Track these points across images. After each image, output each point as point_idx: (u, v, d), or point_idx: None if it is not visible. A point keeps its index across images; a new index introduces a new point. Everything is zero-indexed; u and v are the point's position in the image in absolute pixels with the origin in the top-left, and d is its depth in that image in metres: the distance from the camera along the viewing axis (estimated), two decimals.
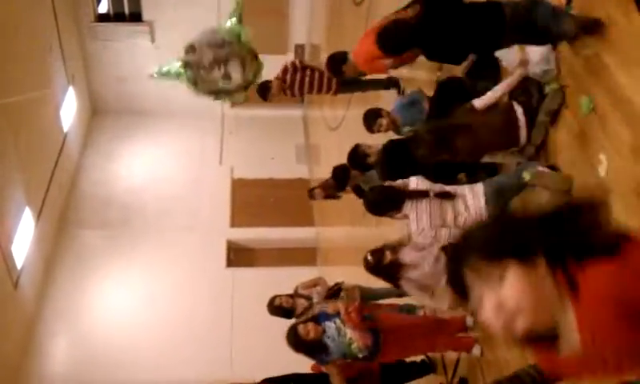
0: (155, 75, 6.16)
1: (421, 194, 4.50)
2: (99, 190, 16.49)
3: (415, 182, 4.61)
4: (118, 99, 18.23)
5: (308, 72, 7.68)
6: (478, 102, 4.41)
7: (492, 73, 4.88)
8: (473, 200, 4.41)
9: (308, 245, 15.95)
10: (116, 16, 17.49)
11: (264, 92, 7.64)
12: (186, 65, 5.30)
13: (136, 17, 17.42)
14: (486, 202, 4.37)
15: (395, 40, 4.62)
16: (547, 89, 4.14)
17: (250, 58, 5.65)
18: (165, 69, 5.96)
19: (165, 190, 16.60)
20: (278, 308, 6.68)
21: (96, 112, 18.45)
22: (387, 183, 4.91)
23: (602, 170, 3.68)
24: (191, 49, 5.36)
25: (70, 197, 16.30)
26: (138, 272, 14.95)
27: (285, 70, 7.71)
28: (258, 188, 16.42)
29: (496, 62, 4.80)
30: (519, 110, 4.27)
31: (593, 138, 3.81)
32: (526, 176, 4.19)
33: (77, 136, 17.01)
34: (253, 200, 16.33)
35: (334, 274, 13.65)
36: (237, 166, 17.47)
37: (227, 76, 5.34)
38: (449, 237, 4.49)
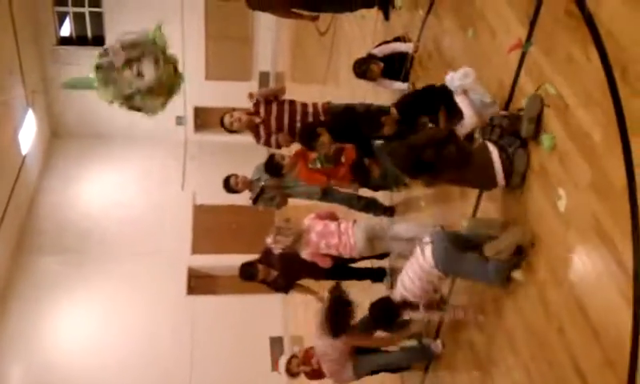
0: (65, 84, 5.96)
1: None
2: (58, 215, 16.18)
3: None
4: (78, 122, 17.99)
5: (287, 104, 6.50)
6: (461, 130, 4.55)
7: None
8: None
9: None
10: (78, 39, 17.33)
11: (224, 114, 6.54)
12: (98, 68, 5.14)
13: (99, 40, 17.27)
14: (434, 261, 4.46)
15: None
16: (524, 102, 4.09)
17: (165, 61, 5.46)
18: (75, 77, 5.79)
19: (125, 215, 16.37)
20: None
21: (56, 135, 18.17)
22: None
23: (561, 206, 3.71)
24: (104, 52, 5.20)
25: (27, 222, 15.96)
26: (97, 299, 14.68)
27: (257, 103, 6.54)
28: (220, 214, 16.27)
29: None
30: (494, 152, 4.14)
31: (553, 173, 3.84)
32: (464, 223, 4.42)
33: (36, 159, 16.71)
34: (215, 226, 16.19)
35: (297, 302, 13.56)
36: (199, 191, 17.32)
37: (140, 74, 5.18)
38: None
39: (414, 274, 4.60)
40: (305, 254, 5.67)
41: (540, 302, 3.95)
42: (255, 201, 6.90)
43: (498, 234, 4.22)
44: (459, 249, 4.34)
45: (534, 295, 4.02)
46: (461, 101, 4.59)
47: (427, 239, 4.48)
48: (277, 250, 5.73)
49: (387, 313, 4.87)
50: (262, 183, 6.79)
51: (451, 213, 5.46)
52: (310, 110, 6.49)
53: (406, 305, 4.71)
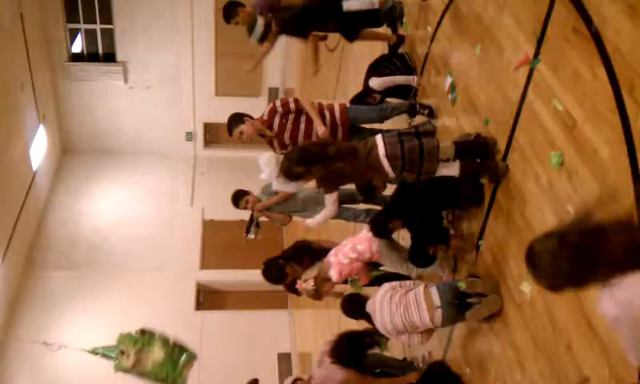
0: (91, 352, 6.75)
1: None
2: (67, 230, 16.27)
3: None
4: (89, 138, 18.14)
5: (304, 118, 6.08)
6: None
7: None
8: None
9: (279, 288, 15.89)
10: (90, 56, 17.49)
11: (232, 124, 6.09)
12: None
13: (110, 57, 17.45)
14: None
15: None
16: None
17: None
18: (109, 354, 6.60)
19: (134, 230, 16.45)
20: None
21: (66, 151, 18.30)
22: None
23: None
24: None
25: (37, 237, 16.05)
26: (105, 314, 14.68)
27: (272, 111, 6.11)
28: (229, 230, 16.32)
29: None
30: (380, 143, 4.50)
31: (561, 189, 3.85)
32: (462, 285, 4.61)
33: (46, 175, 16.83)
34: (223, 242, 16.22)
35: (305, 318, 13.55)
36: (208, 207, 17.38)
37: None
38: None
39: (410, 324, 4.70)
40: (334, 277, 5.57)
41: (548, 318, 3.95)
42: (248, 230, 7.03)
43: (489, 293, 4.54)
44: (459, 309, 4.63)
45: (541, 311, 4.02)
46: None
47: (438, 302, 4.61)
48: (309, 288, 5.74)
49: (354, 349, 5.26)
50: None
51: (458, 230, 5.47)
52: (327, 114, 6.11)
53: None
